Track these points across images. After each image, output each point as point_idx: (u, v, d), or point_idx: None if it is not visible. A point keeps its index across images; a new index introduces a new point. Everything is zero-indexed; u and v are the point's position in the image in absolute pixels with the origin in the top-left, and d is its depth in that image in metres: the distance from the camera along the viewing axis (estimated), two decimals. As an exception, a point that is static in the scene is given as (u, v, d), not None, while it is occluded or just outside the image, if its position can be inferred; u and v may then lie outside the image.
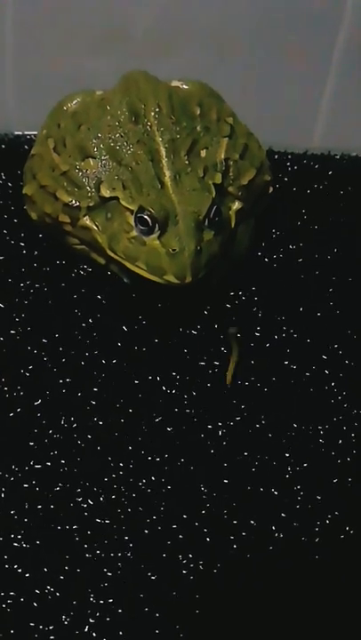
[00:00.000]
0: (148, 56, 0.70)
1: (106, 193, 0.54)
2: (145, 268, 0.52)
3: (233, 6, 0.69)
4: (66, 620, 0.46)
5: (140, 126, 0.57)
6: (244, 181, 0.57)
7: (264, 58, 0.71)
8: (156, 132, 0.56)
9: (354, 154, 0.74)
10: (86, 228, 0.56)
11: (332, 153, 0.73)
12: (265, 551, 0.49)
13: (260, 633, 0.46)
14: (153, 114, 0.57)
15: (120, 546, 0.48)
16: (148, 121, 0.57)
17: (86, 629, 0.45)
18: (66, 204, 0.56)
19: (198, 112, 0.59)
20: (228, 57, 0.71)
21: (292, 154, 0.72)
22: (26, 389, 0.54)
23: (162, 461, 0.51)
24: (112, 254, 0.55)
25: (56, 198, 0.57)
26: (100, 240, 0.55)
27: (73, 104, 0.62)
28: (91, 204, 0.55)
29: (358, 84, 0.73)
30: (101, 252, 0.56)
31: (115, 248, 0.54)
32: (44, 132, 0.61)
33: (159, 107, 0.58)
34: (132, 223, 0.53)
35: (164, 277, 0.52)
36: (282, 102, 0.73)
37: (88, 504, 0.50)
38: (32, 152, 0.61)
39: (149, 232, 0.52)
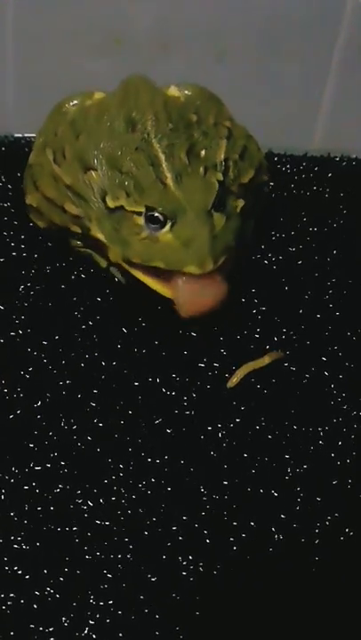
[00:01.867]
0: (148, 58, 0.70)
1: (111, 204, 0.54)
2: (164, 265, 0.52)
3: (232, 7, 0.69)
4: (66, 621, 0.46)
5: (138, 134, 0.56)
6: (245, 180, 0.57)
7: (264, 59, 0.71)
8: (154, 139, 0.56)
9: (354, 156, 0.74)
10: (97, 239, 0.55)
11: (331, 155, 0.73)
12: (265, 552, 0.49)
13: (260, 634, 0.46)
14: (150, 122, 0.57)
15: (120, 547, 0.48)
16: (145, 129, 0.57)
17: (86, 631, 0.45)
18: (75, 216, 0.56)
19: (195, 119, 0.59)
20: (227, 58, 0.71)
21: (291, 156, 0.73)
22: (26, 391, 0.54)
23: (162, 463, 0.51)
24: (127, 266, 0.54)
25: (64, 210, 0.57)
26: (111, 252, 0.55)
27: (71, 105, 0.62)
28: (99, 215, 0.55)
29: (358, 85, 0.73)
30: (104, 255, 0.56)
31: (128, 255, 0.53)
32: (41, 139, 0.61)
33: (156, 116, 0.58)
34: (142, 224, 0.52)
35: (186, 269, 0.51)
36: (281, 104, 0.73)
37: (88, 505, 0.50)
38: (30, 161, 0.61)
39: (160, 228, 0.52)
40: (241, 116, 0.62)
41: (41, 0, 0.68)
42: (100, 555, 0.48)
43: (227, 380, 0.55)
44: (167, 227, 0.52)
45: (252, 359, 0.56)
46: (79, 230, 0.57)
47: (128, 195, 0.53)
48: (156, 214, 0.51)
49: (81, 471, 0.51)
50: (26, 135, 0.72)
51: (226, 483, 0.51)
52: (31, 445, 0.52)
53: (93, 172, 0.55)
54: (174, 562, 0.48)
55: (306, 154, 0.73)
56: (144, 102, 0.59)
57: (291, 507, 0.50)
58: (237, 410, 0.54)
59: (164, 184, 0.53)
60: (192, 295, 0.52)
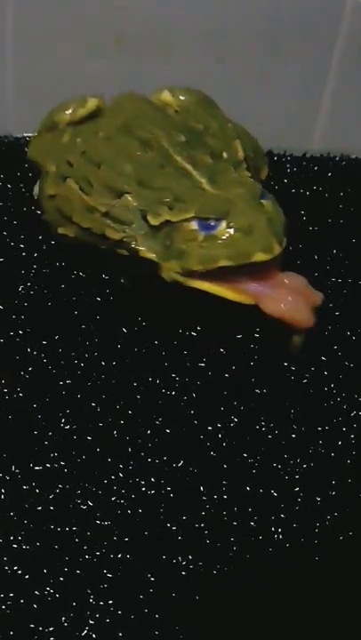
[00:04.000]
0: (148, 58, 0.70)
1: (155, 221, 0.53)
2: (230, 262, 0.50)
3: (232, 8, 0.69)
4: (66, 621, 0.46)
5: (156, 152, 0.56)
6: (263, 177, 0.57)
7: (264, 59, 0.71)
8: (174, 154, 0.55)
9: (353, 156, 0.74)
10: (147, 259, 0.54)
11: (331, 155, 0.73)
12: (265, 552, 0.49)
13: (260, 634, 0.46)
14: (163, 139, 0.56)
15: (120, 547, 0.48)
16: (161, 146, 0.56)
17: (86, 631, 0.45)
18: (120, 241, 0.54)
19: (202, 127, 0.59)
20: (227, 58, 0.71)
21: (291, 155, 0.73)
22: (26, 391, 0.54)
23: (161, 463, 0.51)
24: (184, 280, 0.52)
25: (106, 237, 0.55)
26: (166, 269, 0.53)
27: (64, 115, 0.62)
28: (144, 236, 0.53)
29: (358, 85, 0.73)
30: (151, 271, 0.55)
31: (188, 265, 0.51)
32: (54, 169, 0.58)
33: (166, 132, 0.57)
34: (195, 228, 0.51)
35: (253, 258, 0.50)
36: (281, 104, 0.73)
37: (88, 505, 0.50)
38: (49, 192, 0.58)
39: (216, 226, 0.51)
40: (241, 116, 0.62)
41: (41, 0, 0.68)
42: (100, 554, 0.48)
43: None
44: (223, 224, 0.50)
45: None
46: (127, 253, 0.54)
47: (170, 208, 0.52)
48: (208, 220, 0.50)
49: (81, 471, 0.51)
50: (25, 135, 0.72)
51: (226, 483, 0.51)
52: (31, 445, 0.52)
53: (128, 196, 0.54)
54: (174, 562, 0.48)
55: (306, 154, 0.73)
56: (148, 121, 0.58)
57: (291, 507, 0.50)
58: (237, 410, 0.54)
59: (202, 189, 0.52)
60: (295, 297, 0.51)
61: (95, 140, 0.58)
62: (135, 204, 0.54)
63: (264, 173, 0.58)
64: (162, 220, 0.52)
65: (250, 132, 0.62)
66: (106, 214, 0.54)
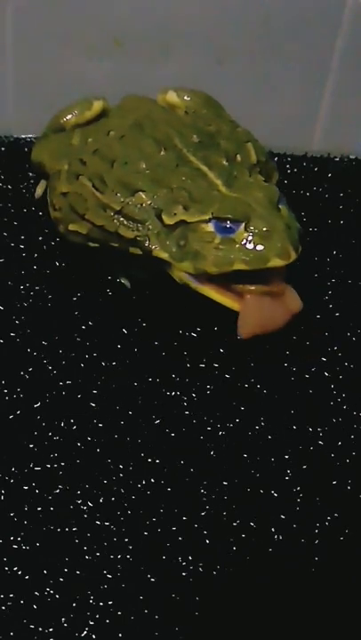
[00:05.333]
0: (149, 59, 0.70)
1: (169, 220, 0.52)
2: (246, 266, 0.50)
3: (231, 9, 0.69)
4: (65, 622, 0.46)
5: (171, 152, 0.55)
6: (274, 181, 0.57)
7: (264, 60, 0.71)
8: (189, 154, 0.55)
9: (353, 156, 0.74)
10: (161, 259, 0.53)
11: (331, 155, 0.73)
12: (265, 553, 0.49)
13: (260, 634, 0.46)
14: (177, 140, 0.56)
15: (120, 548, 0.48)
16: (175, 146, 0.56)
17: (86, 631, 0.45)
18: (133, 240, 0.54)
19: (214, 129, 0.58)
20: (227, 59, 0.71)
21: (291, 156, 0.73)
22: (25, 391, 0.54)
23: (161, 463, 0.51)
24: (194, 284, 0.53)
25: (120, 235, 0.54)
26: (177, 270, 0.53)
27: (70, 118, 0.62)
28: (158, 235, 0.53)
29: (358, 86, 0.73)
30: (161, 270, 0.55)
31: (202, 267, 0.51)
32: (66, 167, 0.58)
33: (180, 133, 0.57)
34: (212, 230, 0.51)
35: (269, 264, 0.50)
36: (281, 104, 0.73)
37: (88, 506, 0.50)
38: (61, 189, 0.57)
39: (234, 229, 0.50)
40: (241, 117, 0.62)
41: (41, 1, 0.68)
42: (100, 555, 0.48)
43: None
44: (241, 227, 0.50)
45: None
46: (140, 252, 0.54)
47: (186, 208, 0.52)
48: (227, 223, 0.50)
49: (81, 471, 0.51)
50: (25, 136, 0.72)
51: (226, 483, 0.51)
52: (31, 446, 0.52)
53: (143, 194, 0.54)
54: (174, 562, 0.48)
55: (306, 154, 0.73)
56: (161, 121, 0.58)
57: (291, 507, 0.50)
58: (237, 410, 0.54)
59: (219, 191, 0.52)
60: (260, 312, 0.52)
61: (107, 140, 0.58)
62: (149, 202, 0.53)
63: (275, 178, 0.58)
64: (177, 219, 0.52)
65: (251, 134, 0.62)
66: (119, 212, 0.54)
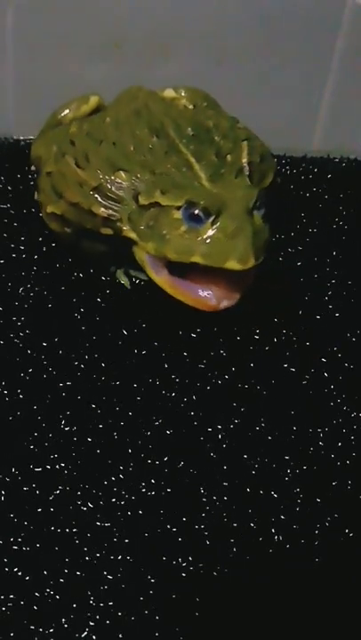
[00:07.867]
0: (148, 61, 0.70)
1: (145, 201, 0.53)
2: (204, 260, 0.50)
3: (231, 10, 0.69)
4: (66, 622, 0.46)
5: (163, 140, 0.56)
6: (266, 184, 0.57)
7: (263, 60, 0.71)
8: (181, 145, 0.56)
9: (353, 157, 0.74)
10: (128, 239, 0.54)
11: (331, 156, 0.73)
12: (265, 553, 0.49)
13: (260, 635, 0.46)
14: (172, 129, 0.57)
15: (120, 549, 0.48)
16: (168, 135, 0.56)
17: (86, 632, 0.45)
18: (105, 219, 0.54)
19: (212, 124, 0.59)
20: (227, 60, 0.71)
21: (291, 157, 0.73)
22: (26, 392, 0.54)
23: (161, 464, 0.52)
24: (149, 269, 0.54)
25: (93, 214, 0.55)
26: (145, 249, 0.53)
27: (67, 113, 0.63)
28: (130, 214, 0.54)
29: (358, 87, 0.73)
30: (130, 257, 0.56)
31: (164, 251, 0.52)
32: (55, 148, 0.59)
33: (176, 123, 0.57)
34: (180, 217, 0.51)
35: (226, 264, 0.50)
36: (281, 105, 0.73)
37: (88, 507, 0.50)
38: (47, 170, 0.58)
39: (202, 221, 0.51)
40: (241, 117, 0.62)
41: (41, 3, 0.68)
42: (100, 556, 0.48)
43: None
44: (209, 221, 0.50)
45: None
46: (110, 232, 0.55)
47: (164, 192, 0.52)
48: (197, 211, 0.50)
49: (81, 472, 0.51)
50: (25, 137, 0.72)
51: (226, 483, 0.51)
52: (31, 447, 0.52)
53: (123, 173, 0.54)
54: (174, 563, 0.48)
55: (305, 155, 0.73)
56: (159, 111, 0.59)
57: (291, 507, 0.50)
58: (237, 411, 0.54)
59: (200, 184, 0.53)
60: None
61: (103, 125, 0.59)
62: (129, 182, 0.54)
63: (268, 180, 0.58)
64: (152, 200, 0.52)
65: (251, 132, 0.62)
66: (96, 188, 0.55)
